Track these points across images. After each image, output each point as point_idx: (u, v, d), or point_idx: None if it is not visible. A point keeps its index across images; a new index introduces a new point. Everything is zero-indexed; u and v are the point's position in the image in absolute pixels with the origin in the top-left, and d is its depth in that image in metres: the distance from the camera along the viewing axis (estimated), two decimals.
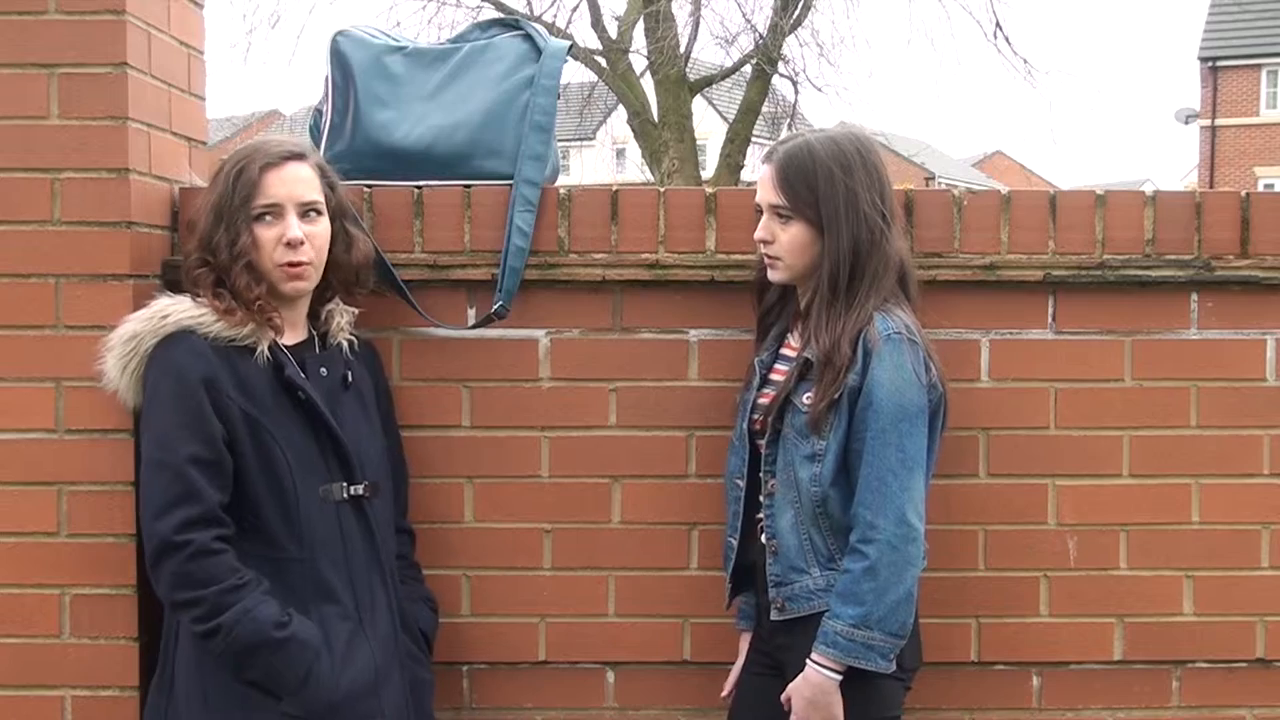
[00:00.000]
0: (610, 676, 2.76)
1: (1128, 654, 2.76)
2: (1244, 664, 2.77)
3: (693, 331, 2.71)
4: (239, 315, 2.28)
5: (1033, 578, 2.75)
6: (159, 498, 2.20)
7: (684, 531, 2.73)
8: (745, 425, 2.48)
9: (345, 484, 2.36)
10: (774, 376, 2.46)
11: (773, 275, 2.45)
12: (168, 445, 2.21)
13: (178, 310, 2.28)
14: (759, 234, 2.43)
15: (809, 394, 2.35)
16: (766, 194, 2.41)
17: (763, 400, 2.45)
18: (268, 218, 2.34)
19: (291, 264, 2.34)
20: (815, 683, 2.29)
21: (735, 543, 2.51)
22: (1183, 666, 2.77)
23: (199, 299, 2.31)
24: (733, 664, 2.63)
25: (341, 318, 2.46)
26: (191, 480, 2.19)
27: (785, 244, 2.39)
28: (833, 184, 2.35)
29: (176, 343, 2.26)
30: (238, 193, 2.32)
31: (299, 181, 2.38)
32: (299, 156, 2.40)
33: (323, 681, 2.23)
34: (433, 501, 2.70)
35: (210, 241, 2.32)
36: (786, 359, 2.47)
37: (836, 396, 2.31)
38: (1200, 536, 2.75)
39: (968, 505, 2.71)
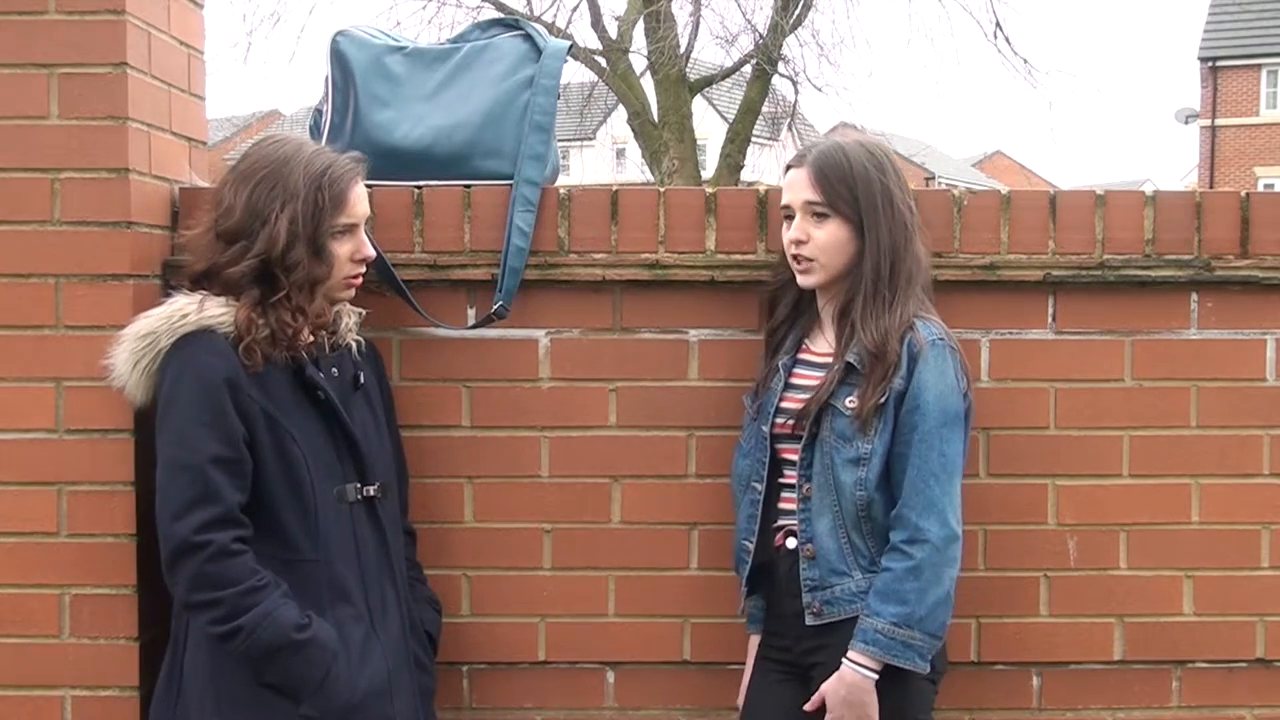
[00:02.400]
0: (610, 676, 2.76)
1: (1128, 654, 2.76)
2: (1244, 664, 2.77)
3: (693, 331, 2.71)
4: (263, 341, 2.23)
5: (1033, 578, 2.75)
6: (178, 498, 2.18)
7: (684, 531, 2.73)
8: (767, 429, 2.46)
9: (359, 485, 2.36)
10: (796, 380, 2.46)
11: (805, 280, 2.43)
12: (188, 445, 2.19)
13: (196, 310, 2.25)
14: (794, 234, 2.42)
15: (852, 397, 2.35)
16: (801, 193, 2.40)
17: (788, 404, 2.44)
18: (346, 234, 2.34)
19: (355, 276, 2.39)
20: (851, 682, 2.29)
21: (752, 545, 2.49)
22: (1183, 666, 2.77)
23: (216, 298, 2.26)
24: (733, 664, 2.63)
25: (349, 318, 2.46)
26: (212, 480, 2.17)
27: (821, 243, 2.39)
28: (869, 181, 2.37)
29: (197, 341, 2.23)
30: (325, 211, 2.28)
31: (366, 196, 2.40)
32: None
33: (341, 683, 2.23)
34: (433, 501, 2.70)
35: (287, 258, 2.25)
36: (807, 363, 2.47)
37: (883, 400, 2.32)
38: (1200, 536, 2.75)
39: (968, 505, 2.67)
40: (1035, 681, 2.77)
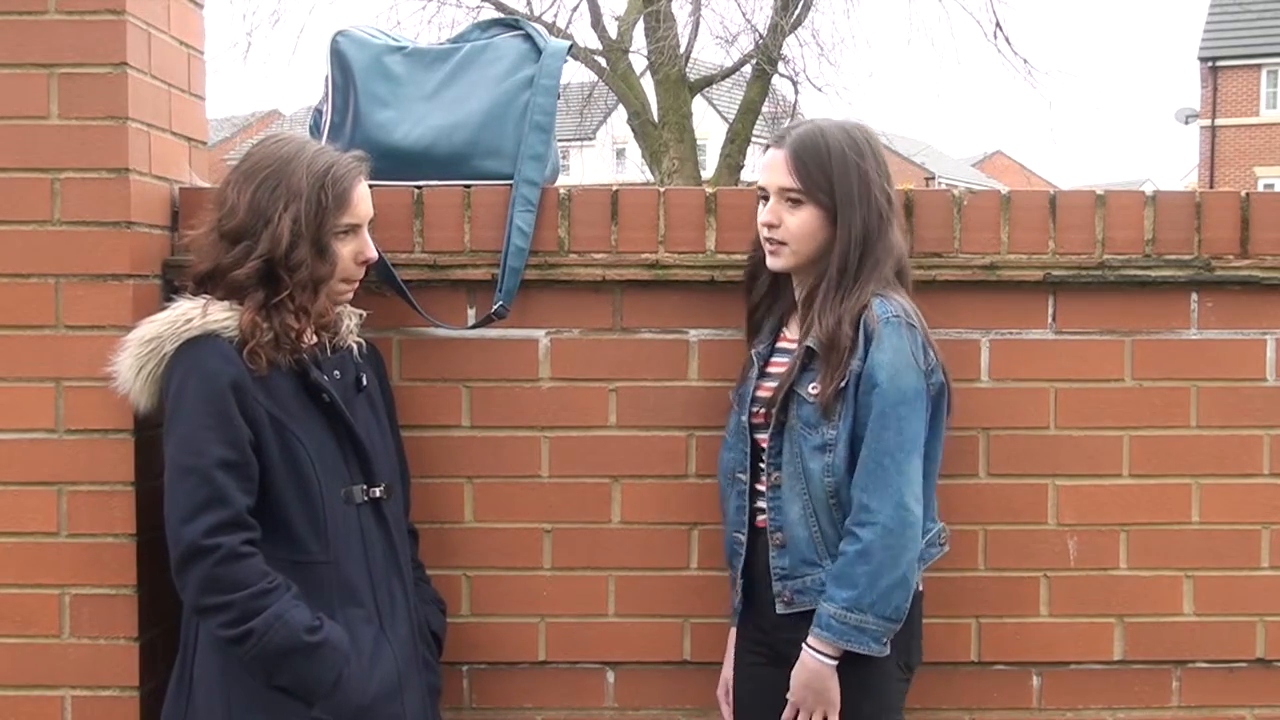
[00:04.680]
0: (610, 676, 2.76)
1: (1128, 654, 2.76)
2: (1244, 664, 2.77)
3: (693, 331, 2.71)
4: (267, 345, 2.23)
5: (1033, 578, 2.75)
6: (186, 502, 2.17)
7: (684, 531, 2.73)
8: (745, 419, 2.46)
9: (365, 486, 2.35)
10: (772, 369, 2.46)
11: (774, 263, 2.42)
12: (195, 449, 2.18)
13: (200, 315, 2.24)
14: (765, 217, 2.40)
15: (814, 384, 2.34)
16: (777, 177, 2.38)
17: (762, 393, 2.44)
18: (349, 234, 2.34)
19: (357, 276, 2.40)
20: (811, 668, 2.30)
21: (744, 537, 2.47)
22: (1183, 666, 2.77)
23: (220, 302, 2.26)
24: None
25: (351, 320, 2.45)
26: (220, 484, 2.16)
27: (794, 229, 2.38)
28: (846, 167, 2.35)
29: (202, 346, 2.22)
30: (328, 210, 2.29)
31: (369, 197, 2.40)
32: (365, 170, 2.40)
33: (352, 685, 2.22)
34: (433, 501, 2.70)
35: (290, 257, 2.26)
36: (784, 351, 2.46)
37: (843, 385, 2.30)
38: (1200, 536, 2.75)
39: (968, 505, 2.70)
40: (1035, 681, 2.77)
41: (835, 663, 2.29)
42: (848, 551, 2.28)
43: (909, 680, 2.42)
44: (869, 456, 2.28)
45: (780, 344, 2.49)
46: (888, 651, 2.30)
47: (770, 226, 2.40)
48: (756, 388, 2.46)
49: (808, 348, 2.35)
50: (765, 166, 2.42)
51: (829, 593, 2.29)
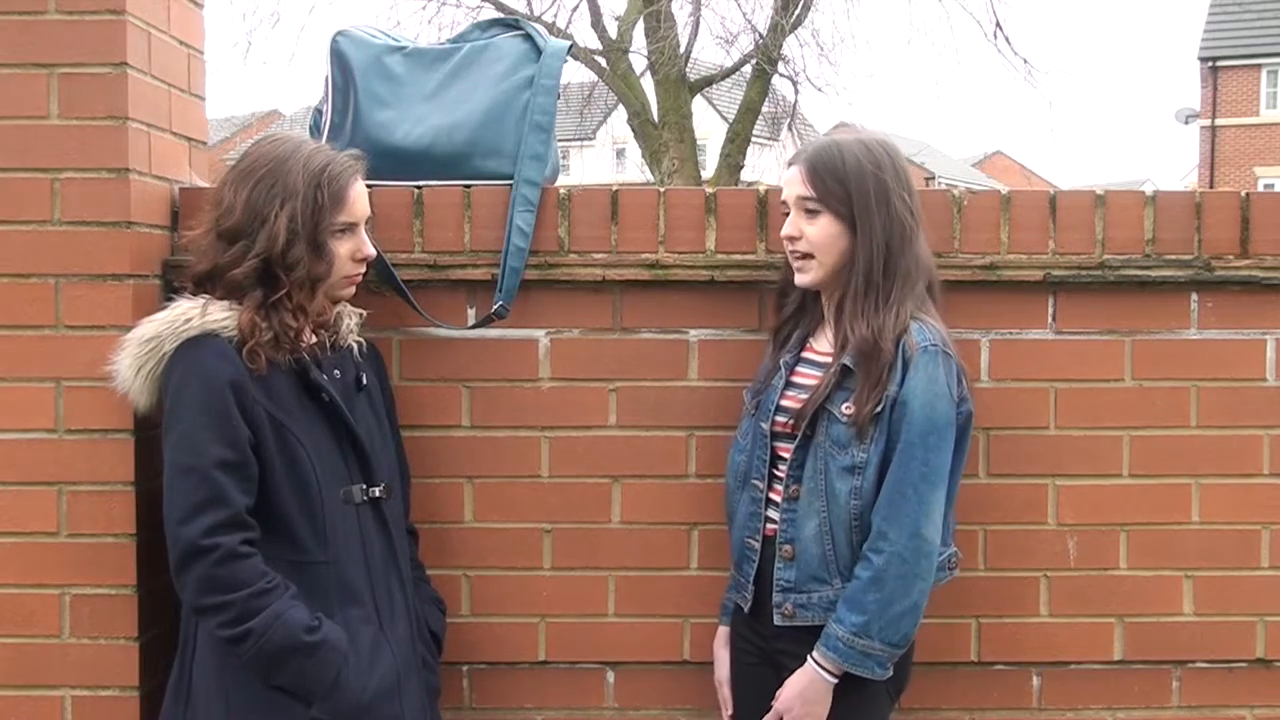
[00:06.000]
0: (610, 676, 2.76)
1: (1128, 654, 2.76)
2: (1244, 664, 2.78)
3: (693, 331, 2.71)
4: (266, 345, 2.23)
5: (1033, 578, 2.75)
6: (185, 502, 2.16)
7: (684, 531, 2.73)
8: (766, 426, 2.45)
9: (365, 486, 2.35)
10: (797, 379, 2.45)
11: (801, 278, 2.42)
12: (194, 449, 2.18)
13: (199, 314, 2.24)
14: (786, 230, 2.42)
15: (848, 403, 2.33)
16: (794, 189, 2.40)
17: (788, 403, 2.43)
18: (346, 232, 2.35)
19: (355, 274, 2.40)
20: (812, 679, 2.31)
21: (757, 543, 2.46)
22: (1183, 666, 2.77)
23: (219, 301, 2.26)
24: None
25: (350, 319, 2.45)
26: (219, 484, 2.16)
27: (813, 238, 2.38)
28: (863, 178, 2.35)
29: (202, 345, 2.22)
30: (325, 209, 2.29)
31: (366, 195, 2.40)
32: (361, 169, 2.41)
33: (351, 685, 2.22)
34: (433, 501, 2.70)
35: (286, 256, 2.26)
36: (809, 362, 2.46)
37: (878, 409, 2.30)
38: (1200, 536, 2.75)
39: (968, 505, 2.70)
40: (1035, 681, 2.77)
41: (836, 680, 2.30)
42: (861, 576, 2.28)
43: (895, 701, 2.43)
44: (892, 484, 2.28)
45: (806, 354, 2.48)
46: (889, 674, 2.31)
47: (791, 239, 2.41)
48: (782, 396, 2.45)
49: (844, 366, 2.35)
50: (785, 182, 2.45)
51: (839, 614, 2.29)
